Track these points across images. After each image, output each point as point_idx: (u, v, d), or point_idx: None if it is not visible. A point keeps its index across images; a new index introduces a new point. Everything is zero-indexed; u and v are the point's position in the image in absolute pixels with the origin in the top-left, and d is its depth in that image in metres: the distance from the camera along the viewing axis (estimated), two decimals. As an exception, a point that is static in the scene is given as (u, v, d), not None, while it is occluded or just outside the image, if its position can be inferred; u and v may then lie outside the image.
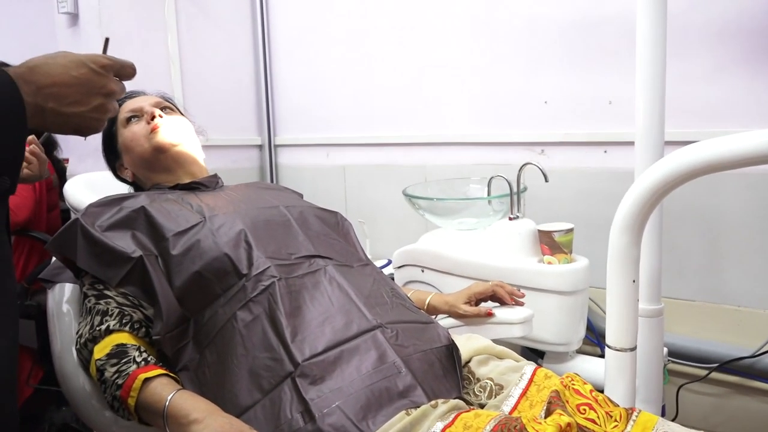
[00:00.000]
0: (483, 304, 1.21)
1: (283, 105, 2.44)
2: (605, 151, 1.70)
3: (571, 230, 1.36)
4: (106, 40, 0.82)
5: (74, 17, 1.88)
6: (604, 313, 1.64)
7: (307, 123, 2.38)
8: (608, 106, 1.68)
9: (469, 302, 1.22)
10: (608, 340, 1.07)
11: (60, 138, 2.18)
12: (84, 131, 0.70)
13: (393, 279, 1.67)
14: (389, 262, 1.93)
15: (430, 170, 2.03)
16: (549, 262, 1.36)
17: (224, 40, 2.29)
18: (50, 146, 2.16)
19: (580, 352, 1.47)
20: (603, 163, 1.70)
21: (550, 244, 1.36)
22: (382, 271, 1.13)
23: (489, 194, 1.56)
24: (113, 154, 1.24)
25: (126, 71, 0.73)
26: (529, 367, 0.96)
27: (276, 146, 2.47)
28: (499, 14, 1.84)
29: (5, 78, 0.60)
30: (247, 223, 1.03)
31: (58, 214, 2.10)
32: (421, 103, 2.05)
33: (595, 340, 1.63)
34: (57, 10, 1.88)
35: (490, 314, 1.17)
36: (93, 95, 0.67)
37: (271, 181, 2.44)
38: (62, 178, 2.05)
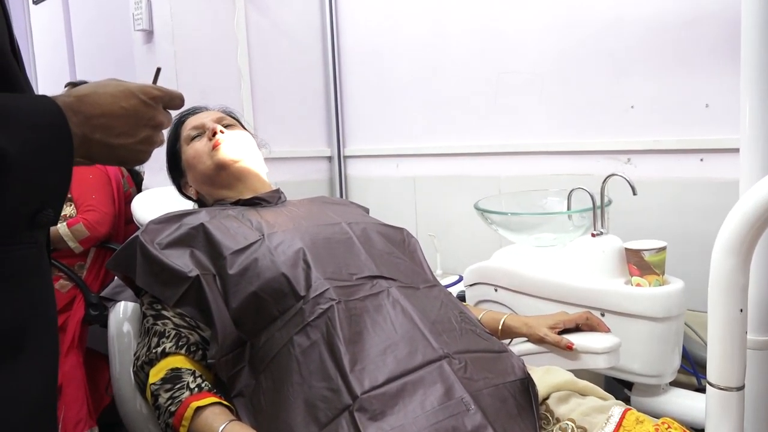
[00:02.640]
0: (566, 336, 1.10)
1: (352, 115, 2.41)
2: (701, 160, 1.54)
3: (663, 249, 1.23)
4: (158, 70, 0.79)
5: (149, 34, 1.92)
6: (702, 339, 1.49)
7: (376, 133, 2.34)
8: (705, 110, 1.52)
9: (553, 328, 1.11)
10: (710, 377, 0.93)
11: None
12: (129, 162, 0.68)
13: (464, 297, 1.57)
14: (460, 279, 1.84)
15: (505, 182, 1.92)
16: (638, 284, 1.23)
17: (294, 51, 2.29)
18: None
19: (674, 383, 1.32)
20: (699, 173, 1.54)
21: (639, 264, 1.22)
22: (450, 293, 1.05)
23: (569, 208, 1.44)
24: (177, 172, 1.23)
25: (175, 103, 0.70)
26: (617, 408, 0.84)
27: (345, 157, 2.44)
28: (582, 13, 1.71)
29: (54, 108, 0.58)
30: (306, 241, 0.98)
31: (135, 227, 2.15)
32: (496, 111, 1.95)
33: (691, 370, 1.47)
34: (133, 27, 1.93)
35: (569, 348, 1.06)
36: (141, 127, 0.65)
37: (340, 193, 2.41)
38: (140, 191, 2.10)
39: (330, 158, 2.45)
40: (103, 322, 1.89)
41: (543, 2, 1.79)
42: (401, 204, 2.23)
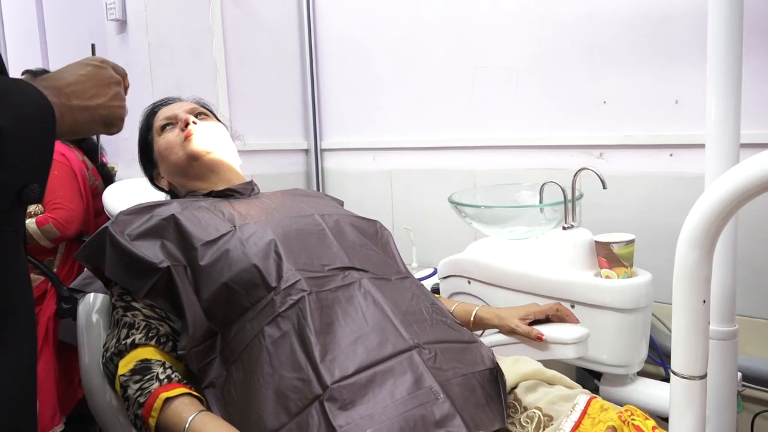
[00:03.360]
0: (536, 327, 1.11)
1: (329, 108, 2.40)
2: (671, 155, 1.57)
3: (632, 242, 1.25)
4: (92, 46, 0.87)
5: (122, 24, 1.89)
6: (669, 330, 1.51)
7: (353, 127, 2.34)
8: (675, 106, 1.55)
9: (524, 319, 1.13)
10: (674, 366, 0.96)
11: (108, 144, 2.22)
12: (113, 121, 0.72)
13: (438, 290, 1.59)
14: (435, 271, 1.85)
15: (480, 175, 1.94)
16: (607, 276, 1.25)
17: (270, 44, 2.27)
18: (94, 153, 2.19)
19: (641, 373, 1.35)
20: (668, 168, 1.57)
21: (609, 256, 1.25)
22: (422, 285, 1.06)
23: (541, 201, 1.46)
24: (150, 163, 1.22)
25: (119, 70, 0.76)
26: (582, 396, 0.86)
27: (322, 150, 2.43)
28: (555, 9, 1.73)
29: (28, 84, 0.61)
30: (278, 232, 0.98)
31: (106, 218, 2.12)
32: (471, 105, 1.96)
33: (658, 360, 1.50)
34: (106, 17, 1.90)
35: (539, 338, 1.08)
36: (107, 85, 0.71)
37: (317, 186, 2.41)
38: (108, 184, 2.08)
39: (307, 151, 2.44)
40: (76, 315, 1.88)
41: (518, -3, 1.81)
42: (377, 197, 2.23)
